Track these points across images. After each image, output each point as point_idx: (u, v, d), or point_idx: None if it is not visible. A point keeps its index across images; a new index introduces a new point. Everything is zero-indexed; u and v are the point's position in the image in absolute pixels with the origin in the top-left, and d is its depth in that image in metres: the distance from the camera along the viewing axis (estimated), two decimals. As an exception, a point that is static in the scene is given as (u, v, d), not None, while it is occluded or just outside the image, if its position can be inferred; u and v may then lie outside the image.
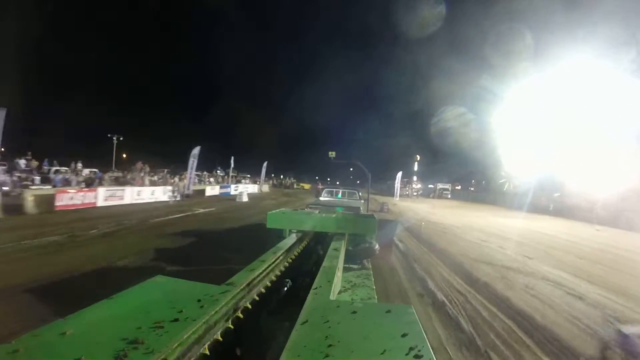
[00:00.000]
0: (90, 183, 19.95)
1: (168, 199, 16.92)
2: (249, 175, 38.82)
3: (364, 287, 3.34)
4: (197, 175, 30.04)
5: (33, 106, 49.07)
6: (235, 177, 37.69)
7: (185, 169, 22.83)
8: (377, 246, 4.60)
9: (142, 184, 20.81)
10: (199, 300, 1.66)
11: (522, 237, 12.79)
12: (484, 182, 48.22)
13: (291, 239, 4.13)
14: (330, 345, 1.25)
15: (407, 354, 1.20)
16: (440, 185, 40.89)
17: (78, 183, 19.54)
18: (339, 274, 2.90)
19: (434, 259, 7.89)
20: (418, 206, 25.30)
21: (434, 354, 1.19)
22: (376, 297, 3.14)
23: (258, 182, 34.15)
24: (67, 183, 19.64)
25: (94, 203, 14.27)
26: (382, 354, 1.20)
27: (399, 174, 24.37)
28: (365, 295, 3.08)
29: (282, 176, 56.29)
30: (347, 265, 4.00)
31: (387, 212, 17.13)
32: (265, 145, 70.41)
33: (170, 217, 12.10)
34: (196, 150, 19.26)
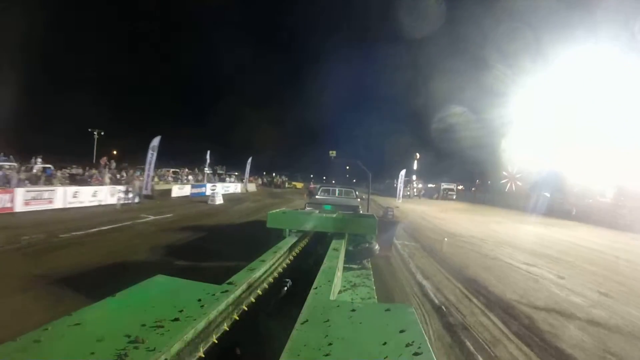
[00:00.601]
0: (35, 181, 16.86)
1: (116, 202, 13.50)
2: (236, 173, 35.31)
3: (364, 286, 3.26)
4: (175, 172, 26.67)
5: (35, 106, 46.03)
6: (220, 175, 34.41)
7: (175, 166, 20.02)
8: (377, 246, 4.51)
9: (102, 183, 17.59)
10: (199, 300, 1.64)
11: (570, 256, 9.78)
12: (489, 182, 45.90)
13: (291, 239, 4.10)
14: (330, 344, 1.25)
15: (406, 352, 1.20)
16: (444, 185, 37.51)
17: (19, 181, 16.42)
18: (339, 273, 2.85)
19: (487, 315, 4.74)
20: (424, 209, 22.18)
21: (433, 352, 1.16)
22: (376, 296, 3.04)
23: (243, 181, 30.66)
24: (7, 181, 16.53)
25: (11, 208, 10.95)
26: (381, 352, 1.20)
27: (402, 172, 20.85)
28: (365, 295, 3.00)
29: (274, 174, 52.63)
30: (347, 265, 3.94)
31: (392, 218, 14.00)
32: (263, 143, 66.60)
33: (97, 229, 8.79)
34: (156, 141, 15.80)
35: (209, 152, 21.58)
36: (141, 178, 16.18)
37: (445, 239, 8.70)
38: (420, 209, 22.67)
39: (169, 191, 18.74)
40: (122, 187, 14.46)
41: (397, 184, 32.20)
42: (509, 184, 41.23)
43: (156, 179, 21.32)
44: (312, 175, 66.06)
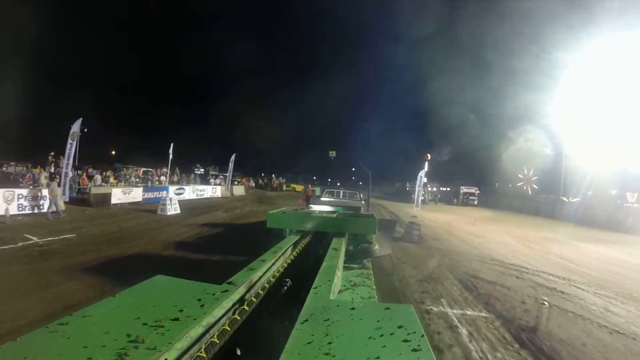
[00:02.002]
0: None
1: (4, 213, 9.24)
2: (226, 174, 31.16)
3: (364, 286, 3.23)
4: (146, 172, 22.58)
5: (36, 105, 42.79)
6: (207, 175, 30.44)
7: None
8: (377, 246, 4.55)
9: (38, 184, 13.60)
10: (199, 300, 1.63)
11: None
12: (510, 185, 41.80)
13: (291, 239, 4.12)
14: (330, 343, 1.24)
15: (405, 349, 1.20)
16: (464, 189, 32.63)
17: None
18: (339, 273, 2.84)
19: None
20: (448, 219, 17.75)
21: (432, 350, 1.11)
22: (376, 296, 3.01)
23: (235, 183, 26.46)
24: None
25: None
26: (381, 350, 1.19)
27: (422, 173, 16.45)
28: (366, 295, 2.98)
29: (272, 175, 48.35)
30: (348, 265, 3.93)
31: (419, 238, 9.66)
32: (264, 143, 61.97)
33: None
34: (76, 127, 11.56)
35: (172, 145, 17.36)
36: (58, 179, 12.00)
37: (545, 302, 4.36)
38: (443, 218, 18.23)
39: (107, 196, 14.10)
40: (23, 191, 10.29)
41: (409, 187, 27.84)
42: (525, 187, 38.66)
43: (112, 180, 17.24)
44: (315, 178, 61.42)
